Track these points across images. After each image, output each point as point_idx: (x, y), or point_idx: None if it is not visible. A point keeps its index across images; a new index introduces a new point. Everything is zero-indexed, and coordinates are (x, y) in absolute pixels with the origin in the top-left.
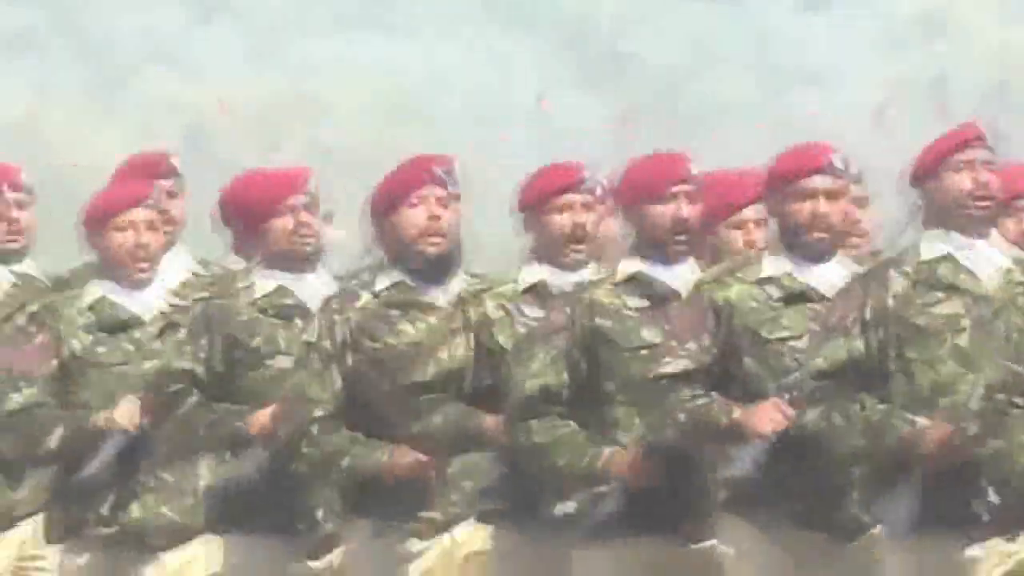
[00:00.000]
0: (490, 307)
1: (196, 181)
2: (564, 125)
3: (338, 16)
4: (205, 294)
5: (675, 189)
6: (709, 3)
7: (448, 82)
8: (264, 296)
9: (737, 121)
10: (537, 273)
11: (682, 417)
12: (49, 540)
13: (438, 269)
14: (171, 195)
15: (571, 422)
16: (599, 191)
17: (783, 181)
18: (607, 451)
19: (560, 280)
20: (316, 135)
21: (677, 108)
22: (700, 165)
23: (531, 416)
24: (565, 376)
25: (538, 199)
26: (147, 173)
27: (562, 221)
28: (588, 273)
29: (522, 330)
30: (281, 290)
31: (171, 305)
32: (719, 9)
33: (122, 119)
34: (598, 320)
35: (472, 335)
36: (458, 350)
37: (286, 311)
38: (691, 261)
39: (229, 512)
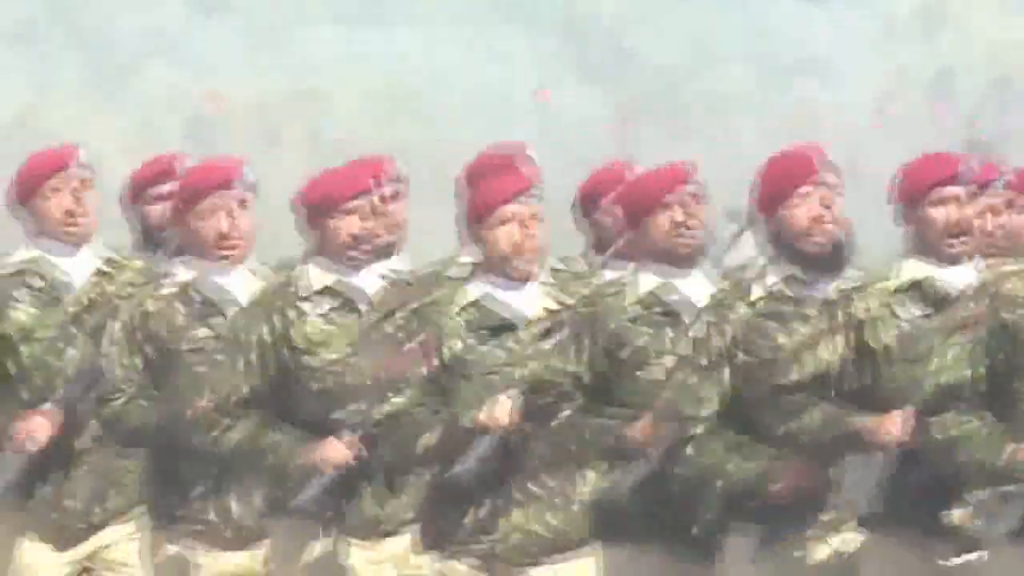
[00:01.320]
0: (869, 304)
1: None
2: (565, 122)
3: (338, 13)
4: (586, 293)
5: None
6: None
7: (449, 79)
8: (648, 292)
9: (738, 118)
10: (916, 269)
11: None
12: (424, 548)
13: (828, 262)
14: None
15: (985, 414)
16: (1003, 183)
17: None
18: (1012, 447)
19: (941, 275)
20: (316, 131)
21: (678, 105)
22: (702, 162)
23: (940, 411)
24: (980, 370)
25: (916, 192)
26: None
27: (939, 214)
28: (972, 267)
29: (906, 327)
30: (667, 286)
31: (555, 304)
32: (720, 6)
33: (122, 114)
34: (1010, 314)
35: (849, 334)
36: (833, 350)
37: (670, 309)
38: None
39: (612, 522)
